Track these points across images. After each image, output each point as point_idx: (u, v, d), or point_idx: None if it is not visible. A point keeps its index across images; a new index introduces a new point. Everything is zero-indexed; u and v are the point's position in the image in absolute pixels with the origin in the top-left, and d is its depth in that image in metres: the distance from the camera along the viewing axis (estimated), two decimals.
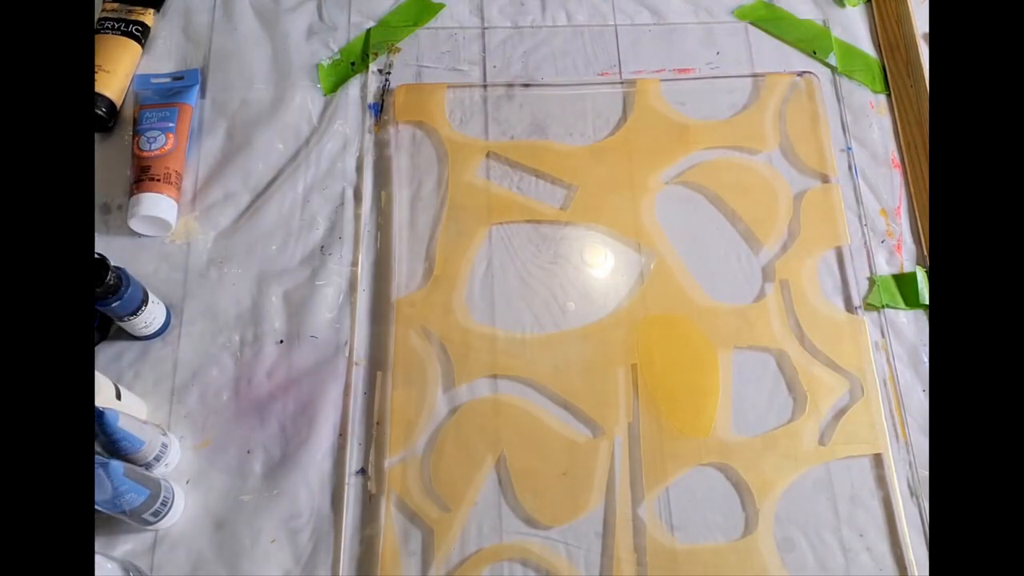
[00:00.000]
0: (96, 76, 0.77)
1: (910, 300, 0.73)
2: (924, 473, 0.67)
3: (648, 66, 0.83)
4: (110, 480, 0.55)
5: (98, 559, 0.55)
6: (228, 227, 0.75)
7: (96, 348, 0.69)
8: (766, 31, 0.85)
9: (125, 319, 0.66)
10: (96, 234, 0.74)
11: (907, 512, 0.66)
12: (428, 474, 0.66)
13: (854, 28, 0.86)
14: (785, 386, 0.70)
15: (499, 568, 0.63)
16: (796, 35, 0.85)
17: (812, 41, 0.84)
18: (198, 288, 0.72)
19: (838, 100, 0.82)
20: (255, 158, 0.78)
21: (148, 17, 0.83)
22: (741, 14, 0.86)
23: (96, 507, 0.55)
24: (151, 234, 0.74)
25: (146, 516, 0.59)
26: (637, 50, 0.84)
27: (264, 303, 0.72)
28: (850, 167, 0.79)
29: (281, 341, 0.70)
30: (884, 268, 0.75)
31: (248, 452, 0.66)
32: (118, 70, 0.79)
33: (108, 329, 0.70)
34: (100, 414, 0.56)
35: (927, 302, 0.73)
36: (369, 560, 0.63)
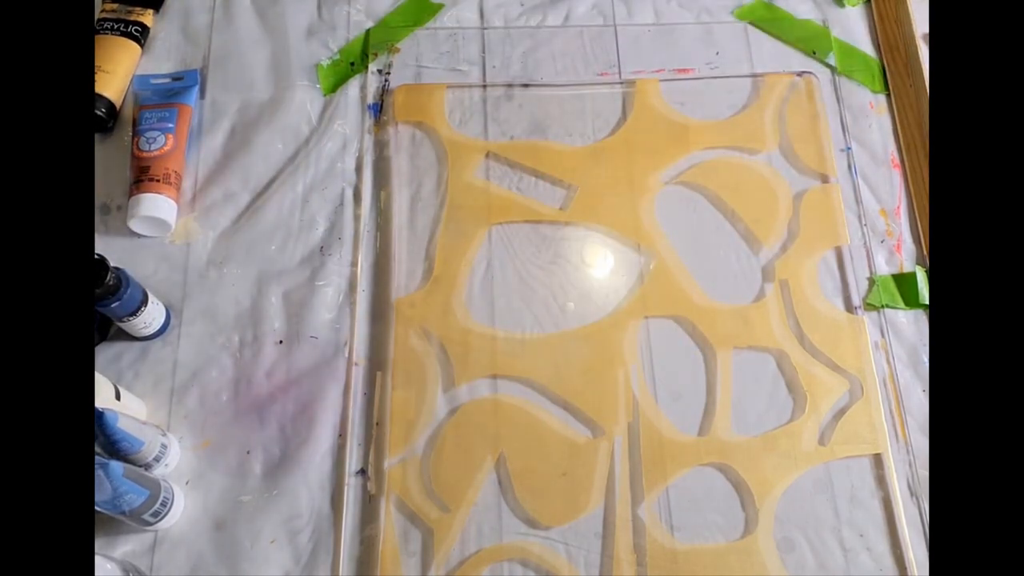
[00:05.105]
0: (96, 77, 0.77)
1: (910, 300, 0.73)
2: (924, 473, 0.67)
3: (648, 66, 0.83)
4: (110, 481, 0.55)
5: (98, 559, 0.55)
6: (228, 227, 0.75)
7: (96, 349, 0.69)
8: (765, 31, 0.85)
9: (125, 320, 0.66)
10: (96, 235, 0.74)
11: (907, 512, 0.66)
12: (428, 474, 0.66)
13: (854, 28, 0.86)
14: (785, 386, 0.70)
15: (499, 568, 0.63)
16: (795, 35, 0.85)
17: (811, 41, 0.84)
18: (198, 289, 0.72)
19: (838, 100, 0.82)
20: (255, 158, 0.78)
21: (147, 17, 0.83)
22: (740, 14, 0.86)
23: (96, 508, 0.55)
24: (151, 235, 0.74)
25: (146, 517, 0.59)
26: (636, 50, 0.84)
27: (264, 303, 0.72)
28: (850, 167, 0.79)
29: (281, 341, 0.70)
30: (884, 268, 0.75)
31: (248, 453, 0.66)
32: (118, 71, 0.79)
33: (108, 330, 0.70)
34: (100, 415, 0.56)
35: (927, 302, 0.73)
36: (369, 560, 0.63)
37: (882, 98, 0.83)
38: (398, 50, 0.83)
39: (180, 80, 0.80)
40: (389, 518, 0.65)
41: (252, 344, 0.70)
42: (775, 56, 0.84)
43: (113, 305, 0.63)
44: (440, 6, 0.85)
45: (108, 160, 0.77)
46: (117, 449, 0.59)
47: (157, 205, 0.72)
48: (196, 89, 0.79)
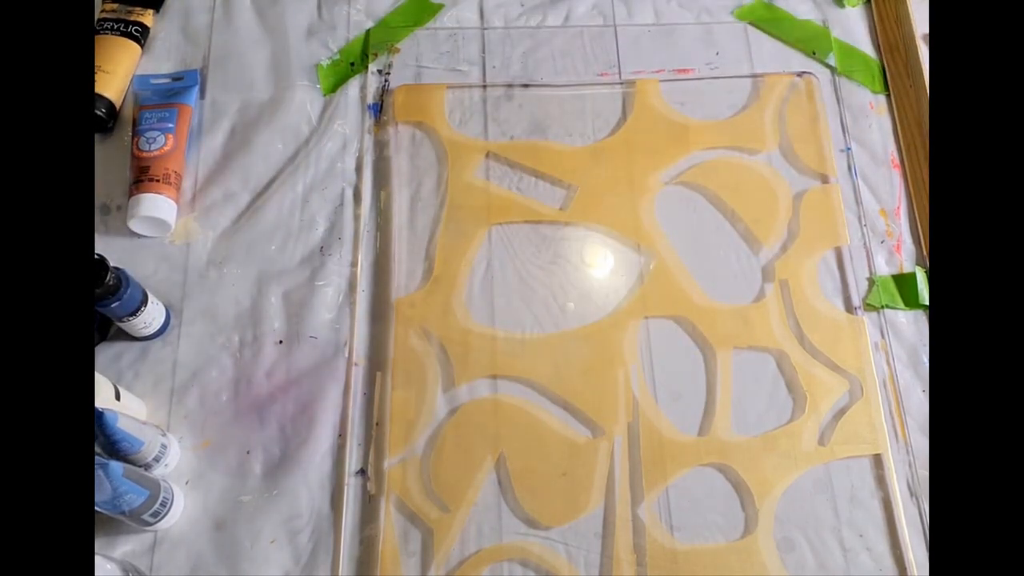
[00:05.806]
0: (96, 77, 0.77)
1: (910, 300, 0.73)
2: (924, 473, 0.67)
3: (648, 66, 0.83)
4: (109, 481, 0.55)
5: (98, 559, 0.55)
6: (228, 227, 0.75)
7: (96, 349, 0.69)
8: (765, 31, 0.85)
9: (124, 320, 0.66)
10: (96, 235, 0.74)
11: (907, 512, 0.66)
12: (428, 475, 0.66)
13: (854, 28, 0.86)
14: (785, 386, 0.70)
15: (499, 568, 0.63)
16: (795, 35, 0.85)
17: (811, 41, 0.84)
18: (197, 289, 0.72)
19: (837, 100, 0.82)
20: (255, 158, 0.78)
21: (147, 18, 0.83)
22: (740, 14, 0.86)
23: (96, 508, 0.55)
24: (150, 235, 0.74)
25: (145, 517, 0.59)
26: (636, 50, 0.84)
27: (263, 303, 0.72)
28: (849, 167, 0.79)
29: (280, 341, 0.70)
30: (884, 268, 0.75)
31: (248, 453, 0.66)
32: (118, 71, 0.79)
33: (108, 330, 0.70)
34: (99, 415, 0.56)
35: (927, 302, 0.73)
36: (369, 560, 0.63)
37: (882, 98, 0.83)
38: (398, 50, 0.83)
39: (180, 80, 0.80)
40: (389, 518, 0.65)
41: (252, 344, 0.70)
42: (775, 56, 0.84)
43: (113, 305, 0.63)
44: (440, 6, 0.85)
45: (108, 160, 0.76)
46: (117, 449, 0.59)
47: (157, 205, 0.72)
48: (196, 89, 0.79)
